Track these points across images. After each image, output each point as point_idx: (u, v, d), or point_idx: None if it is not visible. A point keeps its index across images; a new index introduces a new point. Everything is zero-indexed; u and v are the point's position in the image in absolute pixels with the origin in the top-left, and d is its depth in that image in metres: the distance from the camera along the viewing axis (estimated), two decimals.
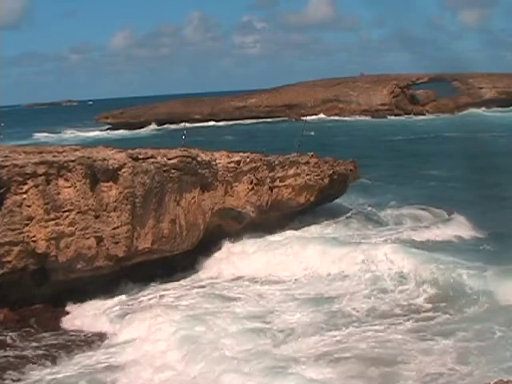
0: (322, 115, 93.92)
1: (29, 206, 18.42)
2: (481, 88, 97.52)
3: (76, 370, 15.14)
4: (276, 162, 24.70)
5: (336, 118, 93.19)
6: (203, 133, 71.69)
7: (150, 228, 20.27)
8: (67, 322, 18.23)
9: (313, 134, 53.06)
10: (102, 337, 17.15)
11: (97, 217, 19.27)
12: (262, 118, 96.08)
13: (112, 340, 16.79)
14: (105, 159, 19.66)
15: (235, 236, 23.35)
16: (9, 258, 18.07)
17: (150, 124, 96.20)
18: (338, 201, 28.05)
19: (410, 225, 26.20)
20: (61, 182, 18.96)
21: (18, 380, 14.77)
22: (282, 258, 21.75)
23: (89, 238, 19.08)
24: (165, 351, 15.48)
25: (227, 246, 22.87)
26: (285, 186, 24.81)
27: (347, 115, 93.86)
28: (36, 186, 18.51)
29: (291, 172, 25.01)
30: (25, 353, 16.22)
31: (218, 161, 22.92)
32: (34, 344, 16.80)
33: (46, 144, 35.17)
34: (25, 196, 18.43)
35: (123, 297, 19.56)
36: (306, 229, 25.16)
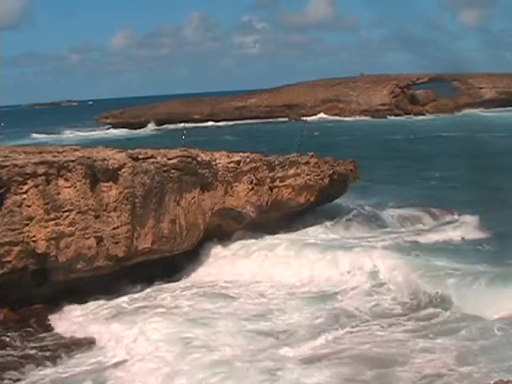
0: (322, 115, 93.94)
1: (29, 206, 18.42)
2: (481, 88, 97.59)
3: (76, 369, 15.13)
4: (276, 162, 24.70)
5: (336, 118, 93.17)
6: (203, 133, 71.69)
7: (149, 228, 20.27)
8: (67, 322, 18.20)
9: (317, 134, 53.23)
10: (100, 337, 17.08)
11: (97, 217, 19.27)
12: (261, 118, 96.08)
13: (110, 340, 16.71)
14: (105, 159, 19.66)
15: (234, 236, 23.36)
16: (9, 258, 18.07)
17: (149, 123, 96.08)
18: (337, 201, 28.00)
19: (411, 226, 26.10)
20: (61, 182, 18.96)
21: (18, 380, 14.76)
22: (279, 261, 21.59)
23: (89, 238, 19.09)
24: (161, 351, 15.41)
25: (226, 247, 22.85)
26: (285, 186, 24.80)
27: (347, 115, 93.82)
28: (36, 186, 18.51)
29: (291, 172, 25.00)
30: (25, 353, 16.22)
31: (218, 161, 22.92)
32: (34, 344, 16.80)
33: (45, 144, 35.07)
34: (25, 196, 18.43)
35: (122, 297, 19.54)
36: (304, 230, 25.05)
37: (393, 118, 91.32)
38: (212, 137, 67.16)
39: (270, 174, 24.30)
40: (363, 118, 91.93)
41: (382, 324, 16.50)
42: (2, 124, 48.73)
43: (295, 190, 25.11)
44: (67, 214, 18.83)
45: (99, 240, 19.24)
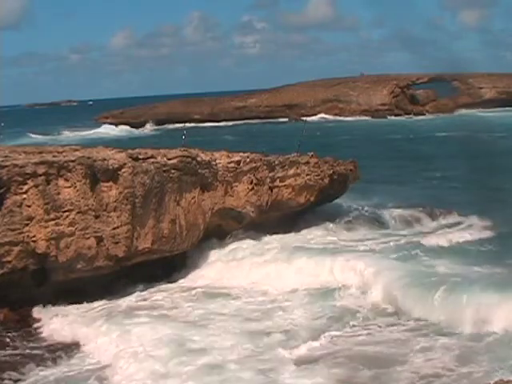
0: (321, 115, 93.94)
1: (29, 206, 18.42)
2: (481, 88, 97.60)
3: (76, 369, 15.13)
4: (276, 162, 24.69)
5: (336, 117, 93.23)
6: (203, 133, 71.69)
7: (149, 228, 20.26)
8: (66, 322, 18.18)
9: (317, 134, 53.19)
10: (98, 337, 17.03)
11: (97, 217, 19.27)
12: (261, 118, 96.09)
13: (108, 340, 16.66)
14: (105, 159, 19.66)
15: (233, 236, 23.35)
16: (9, 258, 18.07)
17: (147, 123, 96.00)
18: (337, 201, 28.00)
19: (411, 227, 25.99)
20: (61, 181, 18.96)
21: (18, 380, 14.75)
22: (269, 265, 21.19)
23: (89, 238, 19.08)
24: (155, 353, 15.31)
25: (225, 247, 22.83)
26: (285, 185, 24.80)
27: (347, 115, 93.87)
28: (36, 186, 18.51)
29: (291, 172, 24.99)
30: (25, 353, 16.22)
31: (217, 161, 22.92)
32: (34, 344, 16.81)
33: (44, 144, 35.04)
34: (25, 196, 18.44)
35: (121, 297, 19.50)
36: (303, 232, 24.90)
37: (393, 118, 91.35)
38: (212, 137, 67.16)
39: (270, 174, 24.30)
40: (363, 117, 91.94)
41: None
42: (2, 124, 48.71)
43: (295, 190, 25.10)
44: (67, 214, 18.83)
45: (99, 240, 19.24)
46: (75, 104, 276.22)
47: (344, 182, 27.26)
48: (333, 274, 19.82)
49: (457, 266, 19.85)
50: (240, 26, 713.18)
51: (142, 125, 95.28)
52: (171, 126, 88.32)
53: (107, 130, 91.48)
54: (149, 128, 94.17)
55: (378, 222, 26.56)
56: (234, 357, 14.90)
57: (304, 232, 25.00)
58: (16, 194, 18.36)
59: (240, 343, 15.66)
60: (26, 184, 18.43)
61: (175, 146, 22.96)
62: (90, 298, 19.29)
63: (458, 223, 26.00)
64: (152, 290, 20.22)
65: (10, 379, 14.75)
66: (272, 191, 24.40)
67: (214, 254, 22.43)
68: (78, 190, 19.03)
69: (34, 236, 18.35)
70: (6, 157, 18.82)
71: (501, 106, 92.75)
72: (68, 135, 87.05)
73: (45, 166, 18.72)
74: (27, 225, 18.33)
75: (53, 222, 18.60)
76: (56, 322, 18.00)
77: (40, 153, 19.66)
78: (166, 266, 21.19)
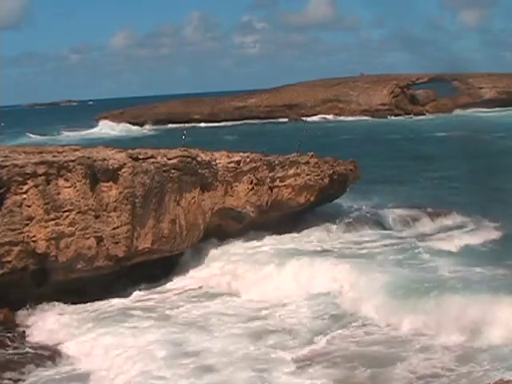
0: (322, 115, 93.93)
1: (29, 206, 18.42)
2: (481, 88, 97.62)
3: (75, 369, 15.14)
4: (276, 162, 24.68)
5: (336, 117, 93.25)
6: (203, 133, 71.66)
7: (149, 228, 20.26)
8: (66, 322, 18.18)
9: (317, 133, 53.16)
10: (96, 337, 16.97)
11: (97, 217, 19.27)
12: (261, 118, 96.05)
13: (106, 340, 16.64)
14: (105, 159, 19.66)
15: (233, 237, 23.33)
16: (9, 258, 18.06)
17: (147, 123, 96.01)
18: (337, 201, 27.98)
19: (411, 228, 25.88)
20: (61, 182, 18.96)
21: (18, 380, 14.76)
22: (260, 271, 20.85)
23: (89, 238, 19.08)
24: (154, 353, 15.34)
25: (224, 248, 22.79)
26: (285, 186, 24.78)
27: (347, 115, 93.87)
28: (36, 186, 18.51)
29: (291, 172, 24.98)
30: (25, 353, 16.20)
31: (218, 161, 22.91)
32: (34, 344, 16.79)
33: (45, 144, 35.02)
34: (25, 196, 18.43)
35: (121, 298, 19.48)
36: (301, 233, 24.76)
37: (393, 117, 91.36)
38: (212, 137, 67.14)
39: (270, 174, 24.29)
40: (363, 117, 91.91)
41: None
42: (2, 124, 48.62)
43: (295, 190, 25.09)
44: (67, 214, 18.83)
45: (99, 240, 19.24)
46: (75, 104, 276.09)
47: (344, 182, 27.25)
48: (331, 278, 19.65)
49: (458, 267, 19.77)
50: (240, 25, 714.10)
51: (141, 125, 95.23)
52: (171, 126, 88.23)
53: (107, 130, 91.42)
54: (148, 128, 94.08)
55: (378, 223, 26.48)
56: (231, 358, 14.89)
57: (304, 233, 24.92)
58: (16, 194, 18.35)
59: (238, 344, 15.67)
60: (25, 184, 18.42)
61: (175, 146, 22.94)
62: (90, 298, 19.27)
63: (459, 223, 26.01)
64: (150, 290, 20.21)
65: (10, 379, 14.75)
66: (272, 191, 24.40)
67: (214, 255, 22.41)
68: (78, 190, 19.03)
69: (33, 236, 18.35)
70: (5, 157, 18.81)
71: (501, 106, 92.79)
72: (68, 135, 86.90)
73: (45, 166, 18.72)
74: (27, 225, 18.32)
75: (53, 222, 18.59)
76: (56, 322, 18.00)
77: (40, 153, 19.65)
78: (165, 267, 21.18)
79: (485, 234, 24.03)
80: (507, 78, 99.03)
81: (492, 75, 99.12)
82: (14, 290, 18.40)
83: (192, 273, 21.49)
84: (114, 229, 19.42)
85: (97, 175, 19.40)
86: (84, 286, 19.44)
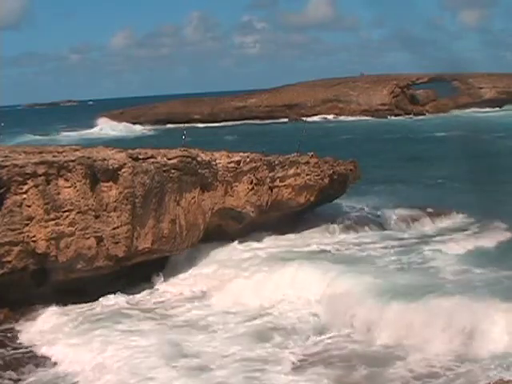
0: (322, 115, 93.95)
1: (29, 206, 18.43)
2: (481, 88, 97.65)
3: (76, 369, 15.13)
4: (276, 162, 24.68)
5: (336, 117, 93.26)
6: (203, 133, 71.65)
7: (149, 228, 20.26)
8: (66, 322, 18.16)
9: (318, 133, 53.12)
10: (95, 337, 16.94)
11: (97, 217, 19.27)
12: (261, 118, 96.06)
13: (104, 341, 16.60)
14: (105, 159, 19.66)
15: (232, 237, 23.32)
16: (9, 258, 18.08)
17: (146, 123, 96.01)
18: (337, 201, 27.96)
19: (411, 229, 25.81)
20: (61, 181, 18.96)
21: (18, 380, 14.77)
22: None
23: (89, 238, 19.09)
24: (153, 353, 15.32)
25: (223, 248, 22.74)
26: (285, 185, 24.78)
27: (347, 115, 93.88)
28: (36, 186, 18.52)
29: (291, 172, 24.98)
30: (24, 353, 16.20)
31: (218, 161, 22.91)
32: (34, 344, 16.77)
33: (45, 144, 35.03)
34: (25, 196, 18.44)
35: (120, 298, 19.47)
36: (299, 234, 24.69)
37: (393, 117, 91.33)
38: (212, 137, 67.13)
39: (270, 174, 24.29)
40: (363, 117, 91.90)
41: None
42: (2, 124, 48.64)
43: (295, 190, 25.09)
44: (67, 213, 18.83)
45: (99, 240, 19.24)
46: (75, 104, 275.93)
47: (344, 182, 27.24)
48: (325, 282, 19.49)
49: (458, 268, 19.77)
50: (240, 25, 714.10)
51: (141, 125, 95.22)
52: (170, 126, 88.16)
53: (107, 130, 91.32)
54: (148, 128, 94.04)
55: (378, 223, 26.45)
56: (228, 359, 14.90)
57: (303, 233, 24.87)
58: (16, 194, 18.36)
59: (235, 345, 15.68)
60: (26, 184, 18.43)
61: (175, 146, 22.94)
62: (90, 297, 19.27)
63: (459, 223, 26.00)
64: (149, 290, 20.21)
65: (10, 379, 14.76)
66: (272, 191, 24.39)
67: (213, 255, 22.37)
68: (78, 190, 19.03)
69: (34, 236, 18.35)
70: (6, 157, 18.82)
71: (501, 106, 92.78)
72: (68, 135, 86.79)
73: (45, 166, 18.73)
74: (27, 225, 18.33)
75: (53, 222, 18.60)
76: (55, 323, 17.98)
77: (40, 153, 19.67)
78: (163, 267, 21.18)
79: (486, 235, 23.95)
80: (507, 78, 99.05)
81: (492, 75, 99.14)
82: (14, 289, 18.41)
83: (189, 274, 21.40)
84: (114, 229, 19.42)
85: (97, 175, 19.40)
86: (84, 286, 19.45)
